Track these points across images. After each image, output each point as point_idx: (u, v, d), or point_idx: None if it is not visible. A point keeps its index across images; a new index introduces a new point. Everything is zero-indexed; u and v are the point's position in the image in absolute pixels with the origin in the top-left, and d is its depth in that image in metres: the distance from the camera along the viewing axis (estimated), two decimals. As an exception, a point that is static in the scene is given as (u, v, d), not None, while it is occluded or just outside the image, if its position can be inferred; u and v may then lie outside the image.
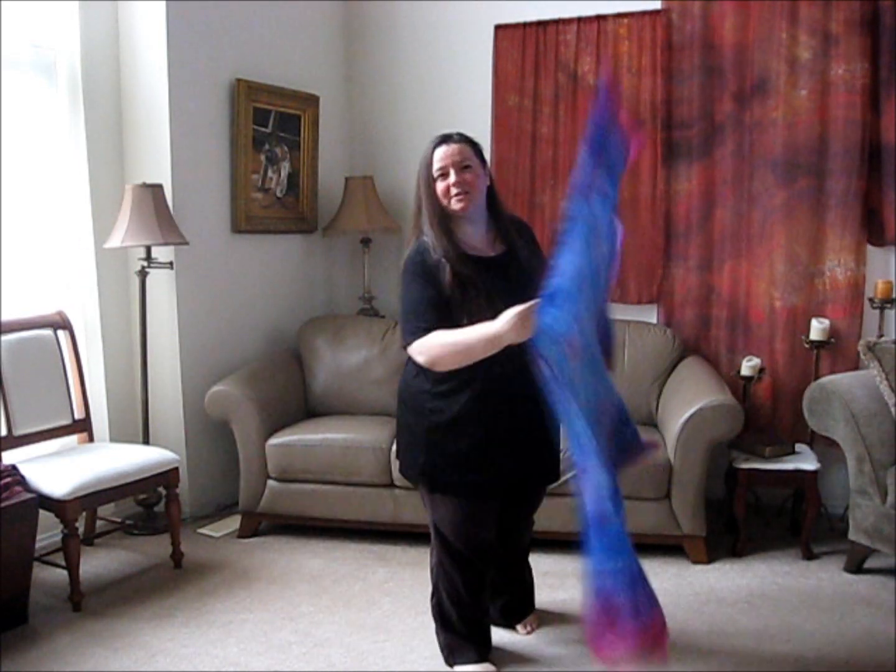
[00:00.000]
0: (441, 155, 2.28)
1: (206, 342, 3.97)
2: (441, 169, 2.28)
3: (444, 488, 2.42)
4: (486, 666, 2.58)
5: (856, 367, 3.76)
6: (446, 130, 2.41)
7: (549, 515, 3.22)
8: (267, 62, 4.16)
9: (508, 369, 2.24)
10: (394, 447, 3.52)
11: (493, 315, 2.13)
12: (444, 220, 2.32)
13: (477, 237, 2.38)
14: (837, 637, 2.78)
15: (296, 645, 2.79)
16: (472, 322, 2.19)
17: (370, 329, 4.17)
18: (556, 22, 4.16)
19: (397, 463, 3.44)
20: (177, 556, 3.40)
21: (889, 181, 3.74)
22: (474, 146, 2.35)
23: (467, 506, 2.43)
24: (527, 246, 2.45)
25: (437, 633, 2.66)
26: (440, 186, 2.29)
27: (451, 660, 2.62)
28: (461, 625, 2.58)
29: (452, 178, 2.26)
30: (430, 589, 2.69)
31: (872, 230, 3.82)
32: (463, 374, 2.26)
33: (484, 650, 2.62)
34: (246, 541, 3.70)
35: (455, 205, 2.28)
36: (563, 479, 2.69)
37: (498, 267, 2.34)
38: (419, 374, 2.39)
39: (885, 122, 3.72)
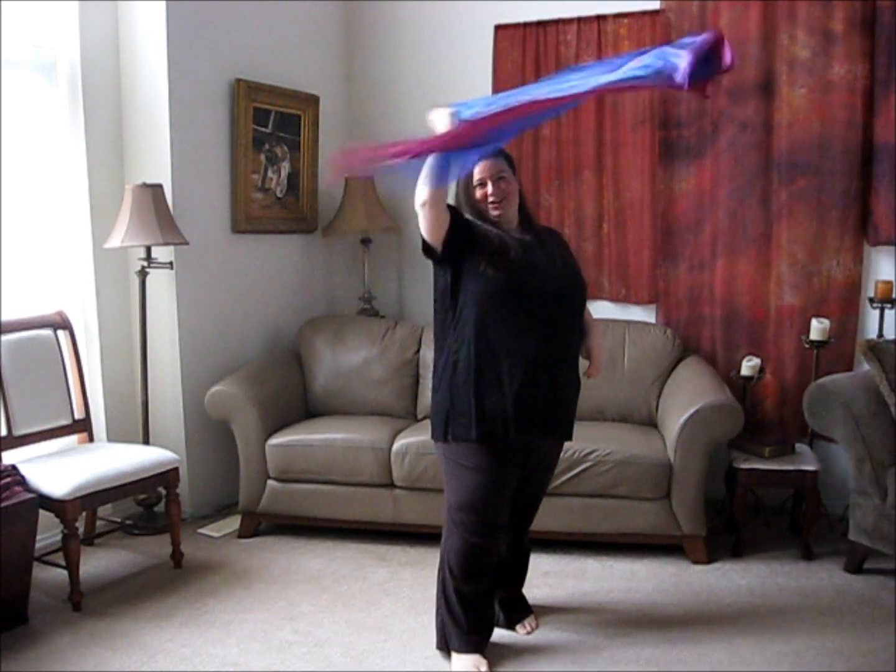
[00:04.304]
0: (480, 168, 2.55)
1: (206, 342, 3.97)
2: (480, 180, 2.56)
3: (466, 433, 2.48)
4: (478, 658, 2.59)
5: (852, 368, 3.76)
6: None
7: (549, 515, 3.22)
8: (267, 62, 4.16)
9: (549, 345, 2.50)
10: (394, 447, 3.55)
11: (525, 264, 2.47)
12: (483, 217, 2.58)
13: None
14: (837, 637, 2.78)
15: (296, 645, 2.79)
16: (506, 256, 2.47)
17: (370, 329, 4.17)
18: (556, 22, 4.16)
19: (399, 467, 3.52)
20: (177, 556, 3.40)
21: (883, 181, 3.73)
22: (507, 158, 2.63)
23: (491, 456, 2.50)
24: (557, 249, 2.69)
25: (437, 614, 2.67)
26: (478, 193, 2.57)
27: (445, 643, 2.64)
28: (462, 608, 2.59)
29: (490, 188, 2.55)
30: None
31: (866, 230, 3.82)
32: (506, 348, 2.47)
33: (480, 641, 2.63)
34: (246, 541, 3.70)
35: (492, 212, 2.56)
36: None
37: (529, 243, 2.59)
38: (460, 357, 2.52)
39: (881, 122, 3.71)
